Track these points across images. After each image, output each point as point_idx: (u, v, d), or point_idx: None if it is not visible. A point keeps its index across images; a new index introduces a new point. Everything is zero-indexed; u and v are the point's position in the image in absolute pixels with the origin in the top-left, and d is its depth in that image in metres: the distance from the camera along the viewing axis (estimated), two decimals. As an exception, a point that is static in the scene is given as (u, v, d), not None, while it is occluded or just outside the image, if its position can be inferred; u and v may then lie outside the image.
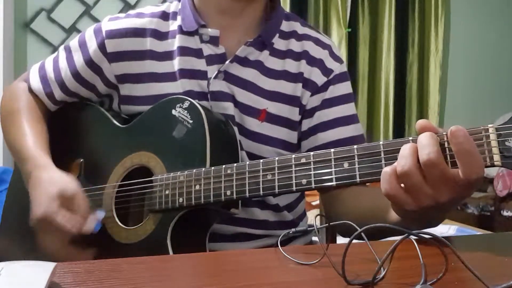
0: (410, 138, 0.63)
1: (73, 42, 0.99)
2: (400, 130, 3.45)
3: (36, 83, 1.01)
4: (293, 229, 0.70)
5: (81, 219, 0.80)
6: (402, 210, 0.64)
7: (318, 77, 0.96)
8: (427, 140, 0.59)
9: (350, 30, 3.34)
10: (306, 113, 0.95)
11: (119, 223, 0.86)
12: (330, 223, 0.62)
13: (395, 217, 0.69)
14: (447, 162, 0.59)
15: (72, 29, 2.84)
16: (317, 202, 2.06)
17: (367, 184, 0.90)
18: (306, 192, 1.07)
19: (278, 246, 0.60)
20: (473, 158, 0.57)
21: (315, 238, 1.04)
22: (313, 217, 0.71)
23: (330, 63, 0.97)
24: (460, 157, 0.58)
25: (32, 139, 0.92)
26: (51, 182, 0.84)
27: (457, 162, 0.58)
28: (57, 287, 0.47)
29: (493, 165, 0.58)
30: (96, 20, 2.80)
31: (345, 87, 0.98)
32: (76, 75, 0.97)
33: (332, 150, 0.68)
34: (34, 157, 0.89)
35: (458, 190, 0.60)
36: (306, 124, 0.95)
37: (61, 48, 1.02)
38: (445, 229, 2.58)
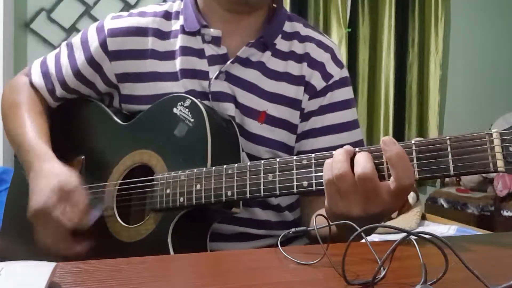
0: (413, 141, 0.64)
1: (75, 39, 1.00)
2: (400, 130, 3.45)
3: (37, 78, 1.01)
4: (293, 229, 0.69)
5: (79, 213, 0.81)
6: (333, 213, 0.67)
7: (318, 81, 0.95)
8: (363, 157, 0.64)
9: (350, 30, 3.34)
10: (304, 116, 0.95)
11: (121, 221, 0.86)
12: (330, 223, 0.62)
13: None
14: (383, 175, 0.64)
15: (72, 29, 2.84)
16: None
17: None
18: (307, 192, 1.06)
19: (278, 246, 0.60)
20: (404, 162, 0.62)
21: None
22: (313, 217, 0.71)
23: (331, 67, 0.96)
24: (392, 162, 0.62)
25: (33, 130, 0.93)
26: (53, 174, 0.84)
27: (390, 168, 0.63)
28: (57, 287, 0.47)
29: (496, 171, 0.58)
30: (96, 20, 2.79)
31: (344, 93, 0.97)
32: (77, 72, 0.97)
33: (334, 152, 0.68)
34: (36, 148, 0.89)
35: (388, 201, 0.64)
36: (301, 127, 0.95)
37: (63, 44, 1.02)
38: (445, 229, 2.58)
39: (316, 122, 0.94)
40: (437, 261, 0.45)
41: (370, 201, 0.64)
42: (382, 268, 0.46)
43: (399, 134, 3.43)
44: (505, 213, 2.90)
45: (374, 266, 0.46)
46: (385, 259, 0.44)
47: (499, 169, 0.58)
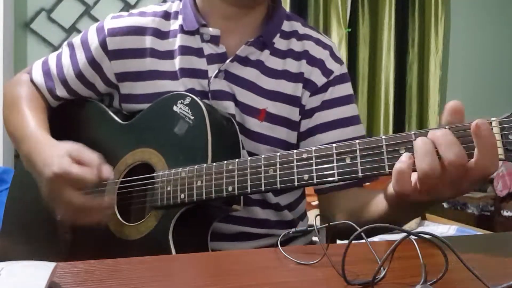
0: (412, 132, 0.62)
1: (76, 40, 1.00)
2: (400, 130, 3.44)
3: (38, 77, 1.02)
4: (293, 229, 0.69)
5: (98, 166, 0.80)
6: (402, 201, 0.64)
7: (318, 78, 0.96)
8: (450, 138, 0.57)
9: (350, 30, 3.34)
10: (305, 113, 0.95)
11: (121, 219, 0.86)
12: (330, 223, 0.62)
13: (382, 207, 0.70)
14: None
15: (72, 29, 2.84)
16: (317, 202, 2.06)
17: (364, 186, 0.92)
18: (307, 192, 1.07)
19: (278, 246, 0.60)
20: (494, 151, 0.56)
21: (315, 238, 1.04)
22: (313, 217, 0.72)
23: (330, 64, 0.97)
24: (483, 150, 0.56)
25: (33, 121, 0.93)
26: (55, 146, 0.84)
27: (479, 155, 0.56)
28: (57, 287, 0.47)
29: None
30: (96, 20, 2.80)
31: (345, 89, 0.98)
32: (78, 73, 0.98)
33: (334, 145, 0.67)
34: (36, 135, 0.89)
35: (468, 185, 0.60)
36: (305, 125, 0.95)
37: (65, 44, 1.03)
38: (445, 229, 2.58)
39: (321, 117, 0.95)
40: (437, 261, 0.45)
41: (455, 186, 0.59)
42: (382, 268, 0.46)
43: (399, 134, 3.43)
44: (505, 213, 2.90)
45: (374, 266, 0.46)
46: (385, 259, 0.44)
47: (499, 157, 0.57)
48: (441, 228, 2.62)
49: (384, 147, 0.64)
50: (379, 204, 0.74)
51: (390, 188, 0.66)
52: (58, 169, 0.79)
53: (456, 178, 0.58)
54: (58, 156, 0.81)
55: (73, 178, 0.79)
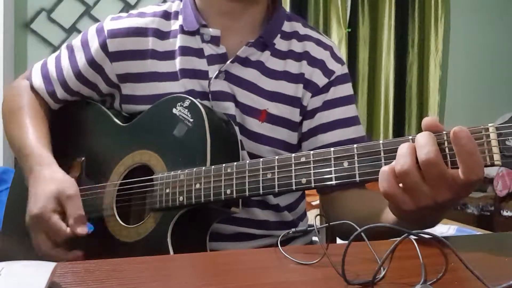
0: (410, 137, 0.63)
1: (75, 41, 1.00)
2: (400, 130, 3.45)
3: (38, 82, 1.01)
4: (293, 229, 0.70)
5: (75, 222, 0.81)
6: (400, 210, 0.64)
7: (319, 78, 0.95)
8: (425, 140, 0.59)
9: (350, 30, 3.34)
10: (307, 114, 0.95)
11: (120, 221, 0.86)
12: (330, 223, 0.62)
13: (392, 218, 0.69)
14: (447, 162, 0.60)
15: (72, 29, 2.84)
16: (317, 202, 2.06)
17: (366, 186, 0.91)
18: (306, 192, 1.07)
19: (278, 246, 0.60)
20: (474, 159, 0.57)
21: (315, 238, 1.04)
22: (313, 217, 0.72)
23: (331, 64, 0.97)
24: (461, 158, 0.58)
25: (35, 136, 0.93)
26: (51, 180, 0.84)
27: (458, 162, 0.58)
28: (57, 287, 0.47)
29: (493, 165, 0.58)
30: (96, 20, 2.80)
31: (346, 89, 0.98)
32: (78, 74, 0.97)
33: (332, 149, 0.68)
34: (37, 154, 0.89)
35: (457, 190, 0.60)
36: (307, 125, 0.95)
37: (63, 46, 1.02)
38: (445, 229, 2.58)
39: (322, 117, 0.95)
40: (437, 261, 0.45)
41: (436, 188, 0.60)
42: (382, 268, 0.46)
43: (399, 134, 3.43)
44: (505, 213, 2.90)
45: (374, 266, 0.46)
46: (385, 259, 0.44)
47: (495, 162, 0.58)
48: (441, 228, 2.61)
49: (382, 152, 0.64)
50: (389, 215, 0.73)
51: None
52: (40, 210, 0.81)
53: (436, 178, 0.59)
54: (46, 196, 0.82)
55: (49, 225, 0.81)
